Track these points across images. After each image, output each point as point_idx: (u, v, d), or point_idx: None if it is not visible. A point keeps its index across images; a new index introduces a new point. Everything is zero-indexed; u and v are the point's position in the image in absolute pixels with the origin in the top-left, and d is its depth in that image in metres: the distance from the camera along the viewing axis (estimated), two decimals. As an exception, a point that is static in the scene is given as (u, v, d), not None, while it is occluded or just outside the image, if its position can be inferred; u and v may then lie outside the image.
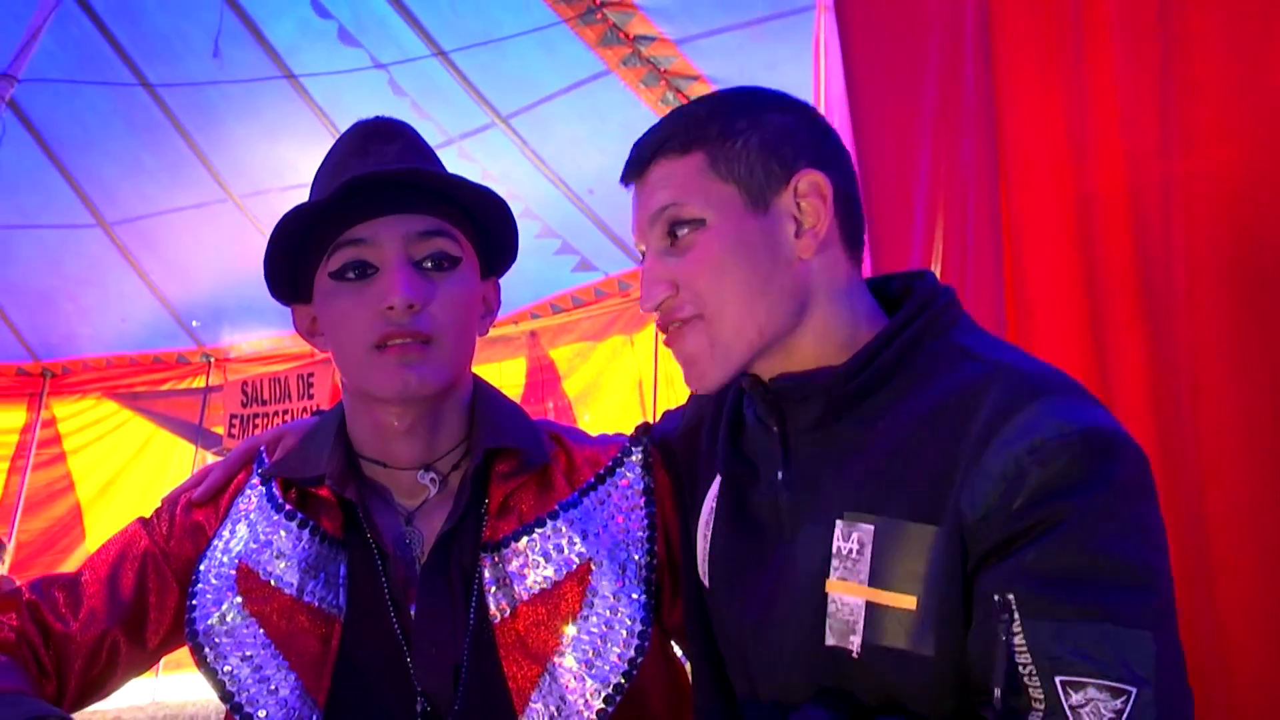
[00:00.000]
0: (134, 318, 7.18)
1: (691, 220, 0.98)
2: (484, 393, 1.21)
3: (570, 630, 1.07)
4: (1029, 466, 0.85)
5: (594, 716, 1.03)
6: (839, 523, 0.94)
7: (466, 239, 1.15)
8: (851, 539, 0.93)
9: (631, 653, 1.05)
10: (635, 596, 1.09)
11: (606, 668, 1.05)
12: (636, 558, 1.12)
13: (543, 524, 1.11)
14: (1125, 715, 0.80)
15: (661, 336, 1.04)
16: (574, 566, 1.09)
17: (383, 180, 1.08)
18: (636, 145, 1.04)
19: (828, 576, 0.94)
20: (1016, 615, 0.84)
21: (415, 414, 1.12)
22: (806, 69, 2.28)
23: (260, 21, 5.17)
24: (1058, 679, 0.82)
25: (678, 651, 1.23)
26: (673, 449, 1.23)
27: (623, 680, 1.04)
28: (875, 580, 0.91)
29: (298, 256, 1.13)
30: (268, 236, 1.10)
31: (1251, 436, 1.63)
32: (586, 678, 1.05)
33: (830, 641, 0.94)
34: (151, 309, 7.11)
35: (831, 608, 0.94)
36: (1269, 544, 1.60)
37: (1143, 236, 1.77)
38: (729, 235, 0.98)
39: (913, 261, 1.98)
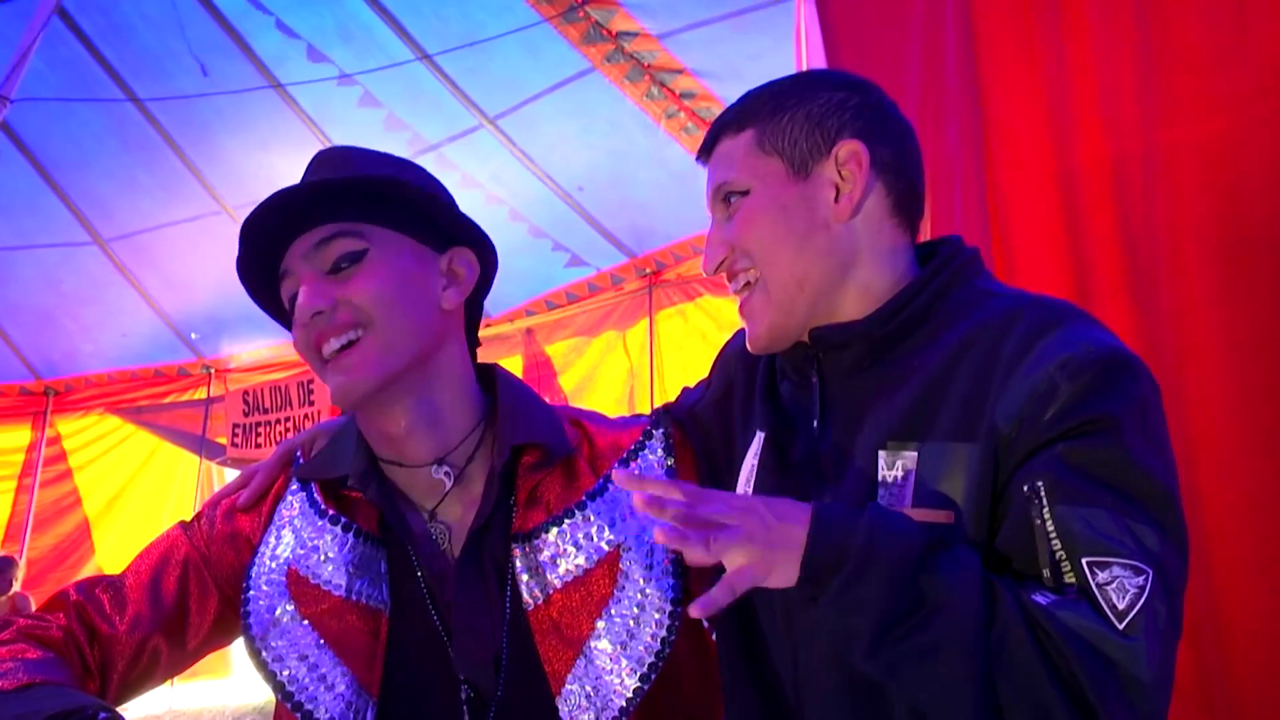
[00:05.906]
0: (134, 333, 7.20)
1: (739, 191, 1.09)
2: (505, 382, 1.23)
3: (604, 614, 1.09)
4: (1060, 380, 0.91)
5: (630, 695, 1.06)
6: (882, 453, 0.99)
7: (384, 224, 1.13)
8: (896, 467, 0.98)
9: (664, 632, 1.08)
10: (664, 578, 1.11)
11: (641, 648, 1.08)
12: None
13: (571, 514, 1.13)
14: (1146, 592, 0.85)
15: (736, 300, 1.13)
16: (604, 553, 1.11)
17: (268, 216, 1.10)
18: (709, 128, 1.15)
19: None
20: (1045, 501, 0.89)
21: (397, 413, 1.13)
22: (788, 58, 2.29)
23: (246, 34, 5.19)
24: (1084, 560, 0.87)
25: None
26: (700, 420, 1.26)
27: (656, 659, 1.07)
28: (918, 504, 0.96)
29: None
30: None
31: (1241, 404, 1.64)
32: (622, 658, 1.07)
33: None
34: (151, 323, 7.13)
35: None
36: (1263, 509, 1.61)
37: (1125, 208, 1.77)
38: (769, 200, 1.07)
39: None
